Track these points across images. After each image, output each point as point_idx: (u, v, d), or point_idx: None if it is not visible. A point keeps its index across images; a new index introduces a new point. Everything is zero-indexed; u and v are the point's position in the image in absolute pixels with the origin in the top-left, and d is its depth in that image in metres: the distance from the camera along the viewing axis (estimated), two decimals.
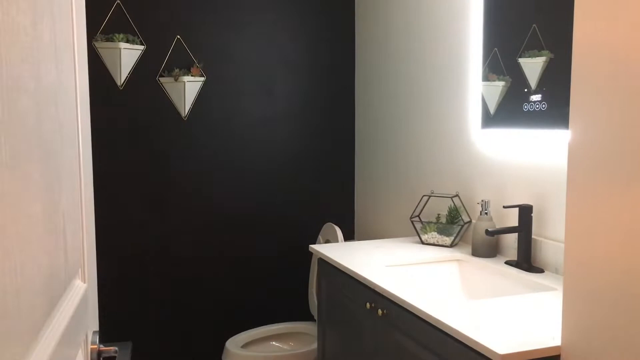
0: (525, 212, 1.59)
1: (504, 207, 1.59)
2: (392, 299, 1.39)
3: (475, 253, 1.74)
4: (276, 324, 2.49)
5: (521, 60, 1.64)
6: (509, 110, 1.68)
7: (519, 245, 1.61)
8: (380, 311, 1.45)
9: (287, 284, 2.69)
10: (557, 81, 1.52)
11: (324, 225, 2.47)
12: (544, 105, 1.54)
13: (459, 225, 1.86)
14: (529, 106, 1.60)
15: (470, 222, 1.87)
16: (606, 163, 0.91)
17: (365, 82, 2.65)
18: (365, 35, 2.63)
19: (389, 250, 1.84)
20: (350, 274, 1.62)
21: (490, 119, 1.77)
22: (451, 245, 1.86)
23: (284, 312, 2.69)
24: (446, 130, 2.03)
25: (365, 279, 1.53)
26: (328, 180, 2.73)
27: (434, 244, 1.89)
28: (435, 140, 2.10)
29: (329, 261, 1.77)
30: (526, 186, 1.66)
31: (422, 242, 1.92)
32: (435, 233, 1.90)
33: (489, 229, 1.57)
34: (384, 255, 1.77)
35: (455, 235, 1.86)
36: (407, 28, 2.27)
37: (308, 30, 2.65)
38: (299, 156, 2.67)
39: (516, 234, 1.62)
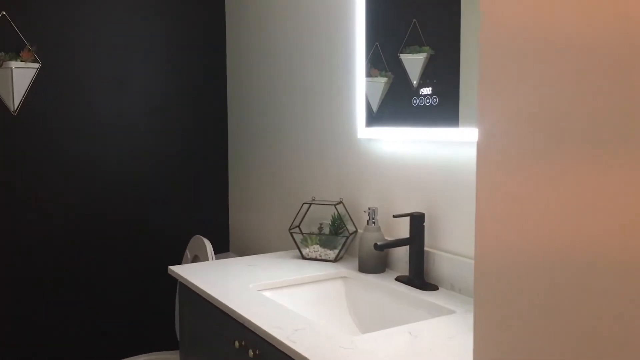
0: (417, 221, 1.40)
1: (394, 216, 1.39)
2: (264, 337, 1.11)
3: (363, 268, 1.52)
4: (138, 356, 2.12)
5: (402, 56, 1.47)
6: (397, 107, 1.49)
7: (410, 258, 1.41)
8: (252, 352, 1.17)
9: (150, 308, 2.31)
10: (441, 77, 1.35)
11: (192, 239, 2.14)
12: (434, 100, 1.36)
13: (343, 236, 1.64)
14: (418, 100, 1.40)
15: (356, 232, 1.65)
16: (518, 153, 0.71)
17: (238, 75, 2.35)
18: (237, 19, 2.33)
19: (264, 268, 1.56)
20: (215, 303, 1.32)
21: (373, 117, 1.56)
22: (335, 260, 1.63)
23: (147, 340, 2.31)
24: (328, 129, 1.80)
25: (232, 310, 1.23)
26: (198, 187, 2.39)
27: (316, 259, 1.65)
28: (317, 140, 1.86)
29: (190, 286, 1.46)
30: (417, 191, 1.47)
31: (303, 257, 1.67)
32: (318, 246, 1.66)
33: (378, 243, 1.35)
34: (258, 275, 1.49)
35: (339, 248, 1.64)
36: (285, 14, 2.01)
37: (170, 10, 2.30)
38: (161, 160, 2.31)
39: (407, 246, 1.42)
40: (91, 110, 2.15)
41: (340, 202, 1.67)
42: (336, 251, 1.64)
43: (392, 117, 1.50)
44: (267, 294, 1.42)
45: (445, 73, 1.35)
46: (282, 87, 2.03)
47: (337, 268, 1.57)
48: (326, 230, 1.69)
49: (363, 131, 1.61)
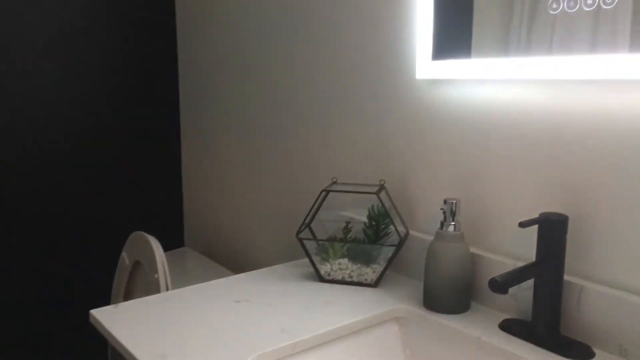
0: (554, 230, 0.76)
1: (522, 224, 0.74)
2: None
3: (433, 303, 0.88)
4: None
5: None
6: (507, 18, 0.82)
7: (537, 294, 0.78)
8: None
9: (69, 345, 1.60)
10: None
11: (130, 237, 1.43)
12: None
13: (389, 244, 0.99)
14: (564, 3, 0.74)
15: (407, 235, 1.00)
16: None
17: None
18: None
19: (260, 305, 0.90)
20: None
21: (450, 41, 0.89)
22: (376, 284, 0.98)
23: None
24: (358, 64, 1.11)
25: None
26: (136, 160, 1.66)
27: (343, 282, 1.00)
28: (338, 84, 1.17)
29: (123, 353, 0.77)
30: (543, 175, 0.83)
31: (321, 279, 1.01)
32: (346, 260, 1.00)
33: (497, 279, 0.70)
34: (254, 323, 0.83)
35: (383, 263, 0.99)
36: None
37: None
38: (83, 126, 1.55)
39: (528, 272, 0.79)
40: None
41: (382, 187, 1.01)
42: (377, 268, 0.99)
43: (494, 39, 0.83)
44: None
45: None
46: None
47: (383, 300, 0.92)
48: (358, 233, 1.03)
49: (427, 66, 0.94)
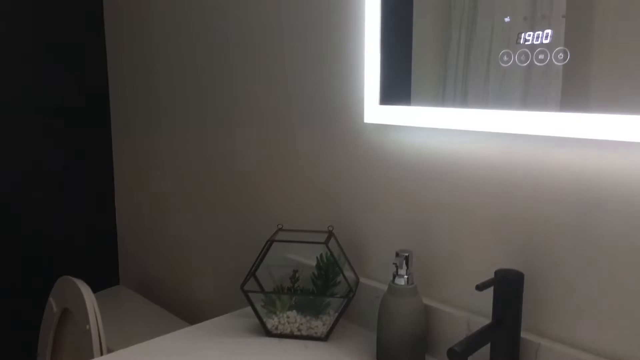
0: (510, 289, 0.74)
1: (478, 287, 0.71)
2: None
3: (386, 356, 0.85)
4: None
5: None
6: (457, 69, 0.79)
7: (494, 352, 0.76)
8: None
9: None
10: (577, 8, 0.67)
11: (57, 282, 1.31)
12: (560, 56, 0.68)
13: (340, 295, 0.94)
14: (516, 56, 0.72)
15: (358, 283, 0.96)
16: None
17: (121, 16, 1.50)
18: None
19: None
20: None
21: (398, 86, 0.86)
22: (326, 337, 0.93)
23: None
24: (304, 106, 1.06)
25: None
26: (61, 194, 1.54)
27: (292, 336, 0.94)
28: (284, 126, 1.12)
29: None
30: (491, 225, 0.80)
31: (269, 333, 0.95)
32: (294, 312, 0.95)
33: (456, 349, 0.67)
34: None
35: (333, 314, 0.94)
36: None
37: None
38: (1, 151, 1.42)
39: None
40: None
41: (331, 235, 0.96)
42: (327, 319, 0.94)
43: (430, 87, 0.81)
44: None
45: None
46: (222, 33, 1.24)
47: (334, 358, 0.88)
48: (306, 280, 0.98)
49: (375, 110, 0.90)
